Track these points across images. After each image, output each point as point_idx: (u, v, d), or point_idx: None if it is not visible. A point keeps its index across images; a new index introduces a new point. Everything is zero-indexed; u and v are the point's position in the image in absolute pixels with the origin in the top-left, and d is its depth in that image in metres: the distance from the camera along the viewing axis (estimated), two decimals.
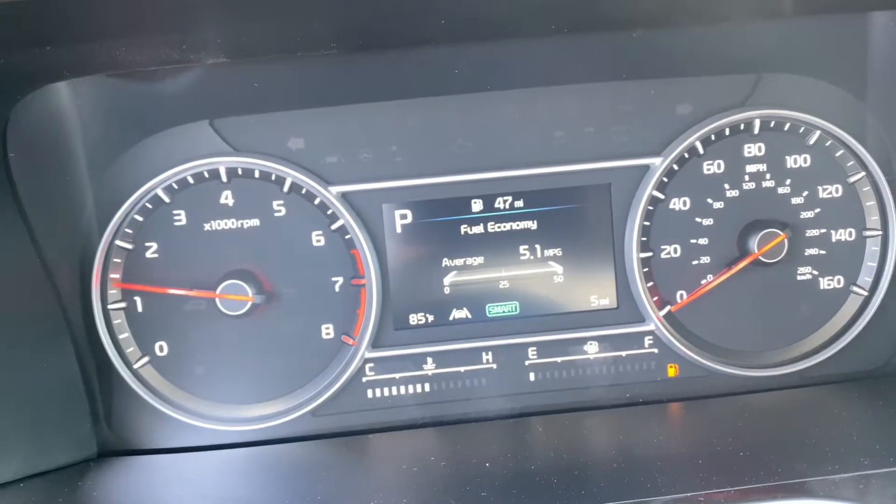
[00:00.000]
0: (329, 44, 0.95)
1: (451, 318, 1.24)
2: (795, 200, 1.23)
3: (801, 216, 1.24)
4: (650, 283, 1.24)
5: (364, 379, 1.24)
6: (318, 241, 1.21)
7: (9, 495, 1.00)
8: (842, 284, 1.25)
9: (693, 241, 1.24)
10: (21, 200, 1.06)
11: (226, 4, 0.84)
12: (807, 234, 1.24)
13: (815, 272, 1.25)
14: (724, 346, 1.25)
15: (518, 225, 1.23)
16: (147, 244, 1.18)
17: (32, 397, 1.07)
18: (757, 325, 1.26)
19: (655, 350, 1.26)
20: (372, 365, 1.24)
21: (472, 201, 1.22)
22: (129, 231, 1.18)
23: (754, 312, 1.25)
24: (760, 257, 1.21)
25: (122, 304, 1.19)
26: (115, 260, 1.18)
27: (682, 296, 1.25)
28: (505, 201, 1.22)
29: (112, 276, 1.18)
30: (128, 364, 1.19)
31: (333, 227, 1.20)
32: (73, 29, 0.89)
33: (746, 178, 1.23)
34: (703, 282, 1.24)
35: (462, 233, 1.23)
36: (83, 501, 1.04)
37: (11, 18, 0.81)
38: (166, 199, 1.18)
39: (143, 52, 0.91)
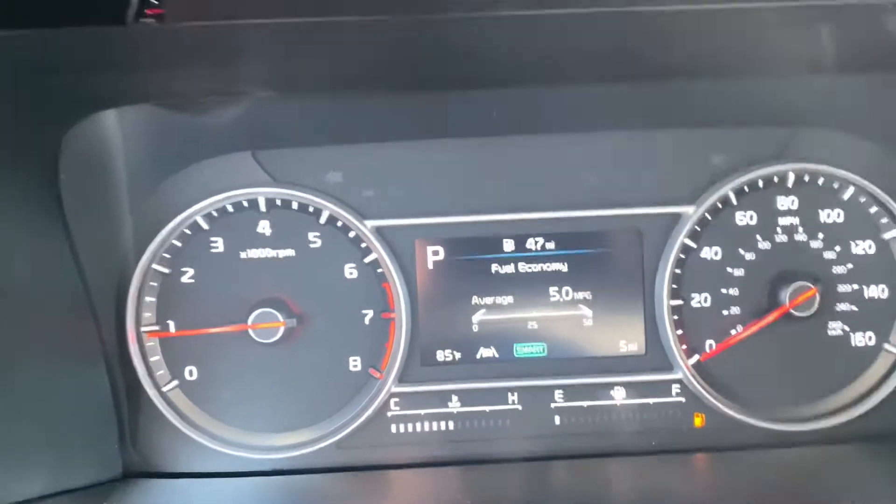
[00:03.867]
0: (377, 82, 0.98)
1: (478, 356, 1.24)
2: (828, 255, 1.23)
3: (834, 271, 1.23)
4: (680, 332, 1.23)
5: (389, 413, 1.24)
6: (351, 273, 1.22)
7: None
8: (874, 342, 1.24)
9: (724, 290, 1.23)
10: (68, 222, 1.08)
11: (281, 41, 0.87)
12: (839, 289, 1.23)
13: (847, 328, 1.24)
14: (753, 398, 1.24)
15: (549, 267, 1.24)
16: (184, 269, 1.21)
17: (62, 414, 1.09)
18: (786, 378, 1.24)
19: (683, 399, 1.25)
20: (397, 400, 1.24)
21: (504, 241, 1.23)
22: (167, 256, 1.20)
23: (784, 365, 1.24)
24: (791, 310, 1.20)
25: (156, 328, 1.21)
26: (152, 283, 1.20)
27: (711, 345, 1.24)
28: (536, 242, 1.23)
29: (147, 299, 1.20)
30: (157, 387, 1.21)
31: (366, 260, 1.22)
32: (133, 58, 0.93)
33: (779, 230, 1.23)
34: (733, 332, 1.24)
35: (493, 272, 1.24)
36: None
37: (76, 45, 0.85)
38: (205, 226, 1.20)
39: (197, 82, 0.94)
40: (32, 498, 1.02)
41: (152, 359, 1.21)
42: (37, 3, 0.79)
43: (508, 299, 1.24)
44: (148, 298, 1.20)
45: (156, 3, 0.73)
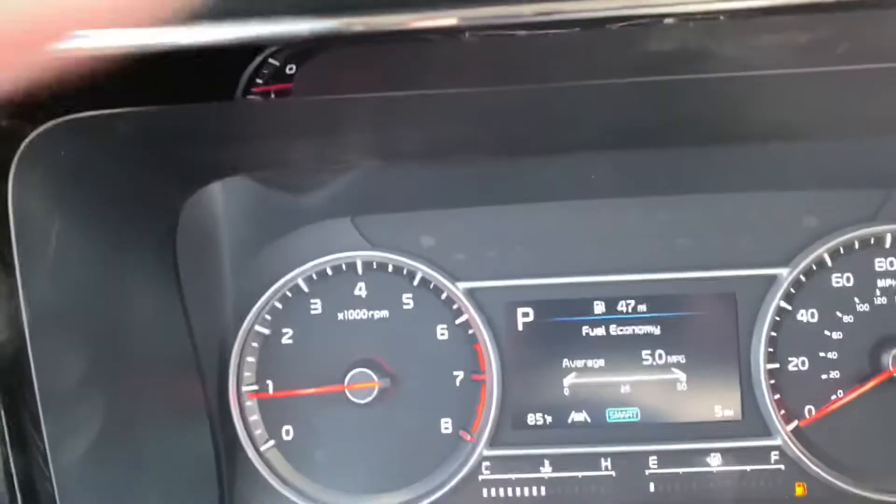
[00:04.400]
0: (473, 149, 1.02)
1: (569, 420, 1.24)
2: None
3: None
4: (777, 396, 1.21)
5: (480, 477, 1.24)
6: (443, 334, 1.24)
7: None
8: None
9: (822, 354, 1.21)
10: (182, 288, 1.14)
11: (383, 112, 0.92)
12: None
13: None
14: (857, 466, 1.20)
15: (641, 329, 1.24)
16: (284, 330, 1.25)
17: (171, 471, 1.12)
18: (889, 446, 1.20)
19: (782, 466, 1.21)
20: (488, 464, 1.24)
21: (595, 303, 1.24)
22: (268, 317, 1.25)
23: (888, 432, 1.20)
24: (895, 375, 1.17)
25: (255, 387, 1.24)
26: (253, 344, 1.25)
27: (810, 411, 1.21)
28: (628, 305, 1.24)
29: (248, 359, 1.25)
30: (255, 446, 1.24)
31: (458, 321, 1.24)
32: (244, 130, 0.99)
33: (878, 292, 1.21)
34: (833, 397, 1.20)
35: (584, 334, 1.24)
36: None
37: (191, 119, 0.92)
38: (305, 289, 1.25)
39: (301, 153, 1.00)
40: None
41: (251, 418, 1.24)
42: (155, 82, 0.86)
43: (600, 362, 1.24)
44: (249, 359, 1.25)
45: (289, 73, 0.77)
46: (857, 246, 1.21)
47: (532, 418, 1.24)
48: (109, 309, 1.01)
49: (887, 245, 1.21)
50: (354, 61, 0.82)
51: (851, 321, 1.21)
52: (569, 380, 1.24)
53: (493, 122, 0.95)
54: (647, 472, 1.22)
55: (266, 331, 1.25)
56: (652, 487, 1.22)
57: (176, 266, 1.13)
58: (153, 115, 0.85)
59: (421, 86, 0.87)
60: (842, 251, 1.21)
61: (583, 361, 1.24)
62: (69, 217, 0.90)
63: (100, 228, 0.97)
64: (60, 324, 0.91)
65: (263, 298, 1.23)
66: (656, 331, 1.23)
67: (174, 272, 1.13)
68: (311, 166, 1.08)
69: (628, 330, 1.24)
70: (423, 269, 1.24)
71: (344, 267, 1.25)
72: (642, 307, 1.23)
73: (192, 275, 1.17)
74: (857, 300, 1.21)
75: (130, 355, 1.05)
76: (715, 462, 1.22)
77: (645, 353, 1.23)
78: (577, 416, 1.24)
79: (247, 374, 1.25)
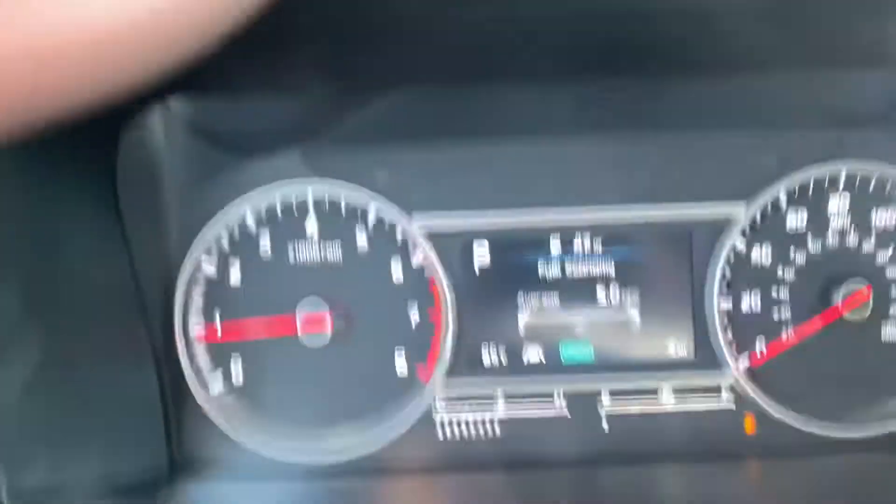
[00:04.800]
0: (432, 75, 0.98)
1: (524, 359, 1.23)
2: (881, 258, 1.21)
3: (888, 274, 1.21)
4: (729, 335, 1.21)
5: (435, 416, 1.22)
6: (397, 273, 1.22)
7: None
8: None
9: (774, 293, 1.22)
10: (123, 218, 1.09)
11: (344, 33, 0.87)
12: (893, 294, 1.21)
13: None
14: (805, 403, 1.21)
15: (596, 268, 1.22)
16: (231, 269, 1.20)
17: (115, 412, 1.08)
18: (839, 383, 1.22)
19: (733, 405, 1.22)
20: (443, 404, 1.22)
21: (552, 240, 1.22)
22: (214, 254, 1.20)
23: (836, 370, 1.22)
24: (844, 315, 1.18)
25: (202, 329, 1.20)
26: (199, 282, 1.20)
27: (761, 349, 1.22)
28: (584, 243, 1.22)
29: (194, 297, 1.20)
30: (203, 387, 1.20)
31: (413, 258, 1.21)
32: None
33: (830, 232, 1.22)
34: (784, 336, 1.22)
35: (539, 273, 1.22)
36: None
37: None
38: (252, 225, 1.20)
39: (251, 72, 0.95)
40: (82, 489, 1.01)
41: (199, 360, 1.20)
42: None
43: (555, 301, 1.23)
44: (195, 298, 1.20)
45: None
46: (812, 185, 1.21)
47: (487, 358, 1.23)
48: (44, 241, 0.96)
49: (841, 185, 1.21)
50: None
51: (804, 260, 1.22)
52: (524, 319, 1.23)
53: (450, 41, 0.91)
54: (601, 410, 1.22)
55: (212, 268, 1.20)
56: (605, 425, 1.22)
57: (116, 197, 1.08)
58: None
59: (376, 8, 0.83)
60: (797, 191, 1.21)
61: (538, 301, 1.23)
62: None
63: (30, 156, 0.91)
64: None
65: (209, 234, 1.18)
66: (611, 270, 1.22)
67: (114, 204, 1.07)
68: (257, 88, 1.03)
69: (584, 269, 1.22)
70: (376, 206, 1.20)
71: (294, 202, 1.20)
72: (598, 245, 1.22)
73: (134, 207, 1.12)
74: (810, 240, 1.21)
75: (68, 290, 1.00)
76: (667, 400, 1.23)
77: (600, 291, 1.22)
78: (532, 355, 1.23)
79: (193, 315, 1.20)
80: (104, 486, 1.05)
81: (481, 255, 1.22)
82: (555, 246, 1.22)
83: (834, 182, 1.21)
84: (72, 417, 1.00)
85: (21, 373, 0.90)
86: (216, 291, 1.20)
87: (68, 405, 0.99)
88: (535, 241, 1.22)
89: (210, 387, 1.20)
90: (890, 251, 1.21)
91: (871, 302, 1.18)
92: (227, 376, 1.21)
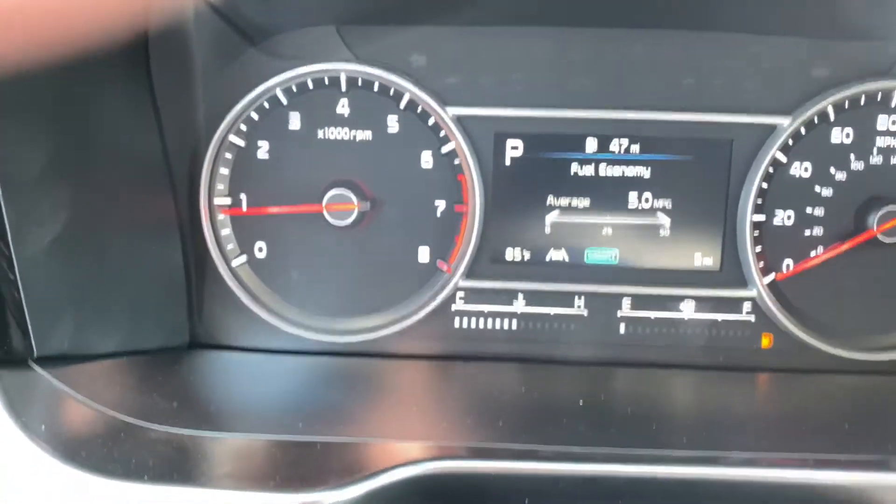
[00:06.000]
0: None
1: (547, 258, 1.22)
2: None
3: None
4: (758, 249, 1.20)
5: (453, 307, 1.23)
6: (427, 162, 1.20)
7: (109, 367, 1.03)
8: None
9: (809, 210, 1.19)
10: (154, 86, 1.06)
11: None
12: None
13: None
14: (825, 323, 1.21)
15: (630, 171, 1.20)
16: (259, 143, 1.19)
17: (138, 280, 1.09)
18: (862, 306, 1.21)
19: (753, 318, 1.22)
20: (463, 294, 1.23)
21: (587, 140, 1.19)
22: (244, 128, 1.18)
23: (862, 293, 1.21)
24: (878, 236, 1.16)
25: (228, 200, 1.20)
26: (227, 155, 1.19)
27: (788, 265, 1.21)
28: (620, 145, 1.19)
29: (221, 170, 1.19)
30: (226, 261, 1.20)
31: (444, 149, 1.19)
32: None
33: (875, 151, 1.18)
34: (813, 254, 1.20)
35: (572, 172, 1.20)
36: (176, 384, 1.07)
37: None
38: (284, 101, 1.18)
39: None
40: (106, 353, 1.03)
41: (223, 232, 1.20)
42: None
43: (584, 202, 1.21)
44: (222, 170, 1.19)
45: None
46: (863, 101, 1.17)
47: (510, 253, 1.22)
48: (74, 100, 0.94)
49: (893, 103, 1.17)
50: None
51: (844, 178, 1.19)
52: (551, 217, 1.21)
53: None
54: (620, 313, 1.23)
55: (241, 142, 1.18)
56: (622, 329, 1.23)
57: (148, 64, 1.05)
58: None
59: None
60: (846, 105, 1.17)
61: (567, 200, 1.21)
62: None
63: (64, 16, 0.88)
64: (18, 104, 0.84)
65: (239, 107, 1.16)
66: (646, 173, 1.20)
67: (146, 74, 1.05)
68: None
69: (618, 171, 1.20)
70: (411, 90, 1.17)
71: (326, 81, 1.17)
72: (635, 147, 1.19)
73: (165, 77, 1.09)
74: (853, 157, 1.18)
75: (97, 152, 0.99)
76: (687, 309, 1.22)
77: (632, 195, 1.20)
78: (556, 255, 1.22)
79: (219, 186, 1.19)
80: (128, 350, 1.08)
81: (514, 149, 1.19)
82: (590, 146, 1.19)
83: (886, 100, 1.17)
84: (97, 281, 1.01)
85: (49, 227, 0.90)
86: (243, 165, 1.19)
87: (94, 269, 1.00)
88: (571, 140, 1.19)
89: (233, 259, 1.21)
90: None
91: None
92: (250, 249, 1.21)
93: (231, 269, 1.21)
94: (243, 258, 1.21)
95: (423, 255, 1.22)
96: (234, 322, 1.22)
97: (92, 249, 1.00)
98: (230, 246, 1.21)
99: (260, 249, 1.21)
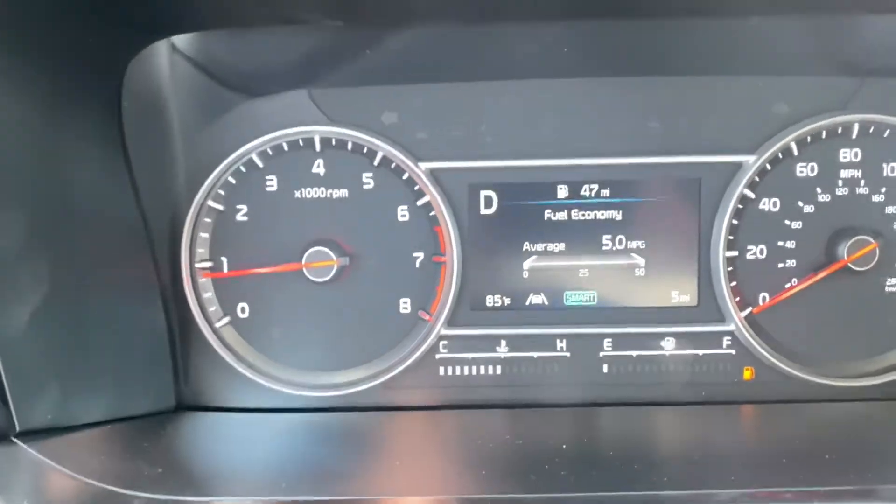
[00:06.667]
0: (435, 13, 0.96)
1: (527, 302, 1.24)
2: (890, 210, 1.21)
3: (895, 226, 1.21)
4: (733, 283, 1.22)
5: (437, 356, 1.24)
6: (403, 215, 1.22)
7: (95, 435, 1.03)
8: None
9: (780, 243, 1.22)
10: (128, 153, 1.09)
11: None
12: None
13: None
14: (804, 352, 1.23)
15: (603, 214, 1.22)
16: (238, 207, 1.21)
17: (122, 346, 1.10)
18: (840, 334, 1.23)
19: (733, 351, 1.24)
20: (446, 342, 1.24)
21: (558, 187, 1.22)
22: (222, 192, 1.21)
23: (838, 321, 1.23)
24: (849, 265, 1.18)
25: (209, 264, 1.21)
26: (206, 220, 1.21)
27: (764, 298, 1.23)
28: (591, 189, 1.22)
29: (201, 235, 1.21)
30: (209, 323, 1.22)
31: (419, 202, 1.21)
32: None
33: (840, 182, 1.21)
34: (788, 285, 1.22)
35: (545, 218, 1.23)
36: (161, 449, 1.07)
37: None
38: (260, 164, 1.20)
39: (261, 6, 0.93)
40: (93, 422, 1.04)
41: (205, 295, 1.22)
42: None
43: (560, 246, 1.23)
44: (202, 234, 1.21)
45: None
46: (824, 135, 1.20)
47: (490, 300, 1.24)
48: (51, 171, 0.96)
49: (854, 135, 1.20)
50: None
51: (812, 211, 1.21)
52: (529, 263, 1.23)
53: None
54: (602, 353, 1.24)
55: (220, 206, 1.21)
56: (605, 368, 1.24)
57: (122, 132, 1.07)
58: None
59: None
60: (809, 140, 1.20)
61: (543, 245, 1.23)
62: (4, 70, 0.83)
63: (38, 85, 0.91)
64: None
65: (216, 172, 1.19)
66: (618, 216, 1.22)
67: (120, 139, 1.07)
68: (263, 24, 1.01)
69: (590, 214, 1.22)
70: (384, 148, 1.20)
71: (301, 143, 1.20)
72: (605, 192, 1.22)
73: (140, 142, 1.12)
74: (819, 190, 1.21)
75: (75, 223, 1.01)
76: (668, 346, 1.24)
77: (605, 237, 1.23)
78: (535, 299, 1.24)
79: (200, 250, 1.21)
80: (113, 419, 1.08)
81: (487, 198, 1.22)
82: (562, 193, 1.22)
83: (846, 133, 1.20)
84: (80, 351, 1.02)
85: (30, 302, 0.91)
86: (223, 228, 1.21)
87: (77, 339, 1.01)
88: (542, 188, 1.22)
89: (216, 321, 1.22)
90: None
91: (877, 253, 1.18)
92: (232, 310, 1.23)
93: (215, 331, 1.22)
94: (226, 319, 1.22)
95: (404, 305, 1.23)
96: (220, 383, 1.23)
97: (74, 320, 1.01)
98: (213, 308, 1.23)
99: (242, 310, 1.23)
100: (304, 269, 1.19)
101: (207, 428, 1.18)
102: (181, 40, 1.09)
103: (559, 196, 1.22)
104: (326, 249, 1.18)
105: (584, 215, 1.22)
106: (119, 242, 1.11)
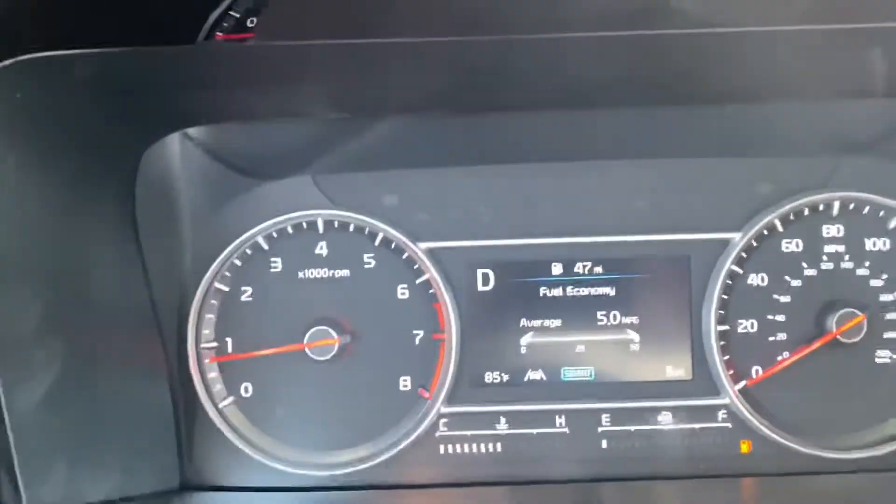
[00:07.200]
0: (435, 105, 1.02)
1: (525, 378, 1.26)
2: (875, 283, 1.24)
3: (881, 299, 1.24)
4: (726, 357, 1.24)
5: (437, 434, 1.26)
6: (403, 293, 1.26)
7: None
8: None
9: (770, 317, 1.25)
10: (140, 238, 1.14)
11: (350, 62, 0.92)
12: (886, 318, 1.24)
13: (895, 356, 1.24)
14: (800, 424, 1.24)
15: (596, 291, 1.26)
16: (243, 288, 1.25)
17: (129, 426, 1.12)
18: (834, 405, 1.24)
19: (729, 424, 1.25)
20: (446, 420, 1.26)
21: (553, 264, 1.26)
22: (228, 274, 1.25)
23: (832, 393, 1.25)
24: (839, 337, 1.21)
25: (214, 345, 1.24)
26: (212, 301, 1.25)
27: (757, 371, 1.25)
28: (585, 266, 1.26)
29: (207, 316, 1.24)
30: (214, 403, 1.24)
31: (418, 281, 1.25)
32: (207, 78, 0.98)
33: (825, 257, 1.25)
34: (780, 358, 1.24)
35: (541, 295, 1.26)
36: None
37: (152, 65, 0.91)
38: (265, 247, 1.25)
39: (266, 102, 1.00)
40: (99, 501, 1.05)
41: (210, 375, 1.25)
42: (111, 23, 0.85)
43: (556, 323, 1.26)
44: (208, 316, 1.24)
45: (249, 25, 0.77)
46: (806, 213, 1.25)
47: (489, 376, 1.26)
48: (66, 257, 1.01)
49: (835, 212, 1.25)
50: (316, 9, 0.82)
51: (799, 285, 1.25)
52: (526, 339, 1.26)
53: (457, 74, 0.96)
54: (600, 429, 1.26)
55: (225, 288, 1.25)
56: (604, 444, 1.25)
57: (134, 218, 1.13)
58: (111, 58, 0.84)
59: (385, 35, 0.88)
60: (792, 217, 1.25)
61: (540, 321, 1.26)
62: (24, 160, 0.89)
63: (56, 174, 0.96)
64: (14, 267, 0.90)
65: (223, 255, 1.23)
66: (611, 292, 1.26)
67: (132, 224, 1.12)
68: (272, 118, 1.08)
69: (584, 291, 1.26)
70: (384, 229, 1.24)
71: (305, 225, 1.25)
72: (598, 269, 1.26)
73: (151, 228, 1.16)
74: (805, 265, 1.25)
75: (88, 305, 1.04)
76: (665, 420, 1.26)
77: (600, 313, 1.26)
78: (534, 375, 1.26)
79: (205, 331, 1.25)
80: (119, 498, 1.09)
81: (485, 277, 1.26)
82: (556, 270, 1.26)
83: (828, 210, 1.25)
84: (89, 430, 1.04)
85: (42, 384, 0.94)
86: (228, 309, 1.25)
87: (86, 418, 1.03)
88: (538, 266, 1.26)
89: (220, 401, 1.24)
90: (883, 277, 1.24)
91: (865, 325, 1.21)
92: (236, 390, 1.25)
93: (219, 411, 1.24)
94: (230, 399, 1.25)
95: (405, 383, 1.26)
96: (224, 462, 1.24)
97: (84, 399, 1.03)
98: (217, 387, 1.25)
99: (246, 389, 1.25)
100: (307, 349, 1.21)
101: None
102: (194, 130, 1.16)
103: (554, 273, 1.26)
104: (328, 328, 1.21)
105: (578, 292, 1.26)
106: (129, 324, 1.14)
